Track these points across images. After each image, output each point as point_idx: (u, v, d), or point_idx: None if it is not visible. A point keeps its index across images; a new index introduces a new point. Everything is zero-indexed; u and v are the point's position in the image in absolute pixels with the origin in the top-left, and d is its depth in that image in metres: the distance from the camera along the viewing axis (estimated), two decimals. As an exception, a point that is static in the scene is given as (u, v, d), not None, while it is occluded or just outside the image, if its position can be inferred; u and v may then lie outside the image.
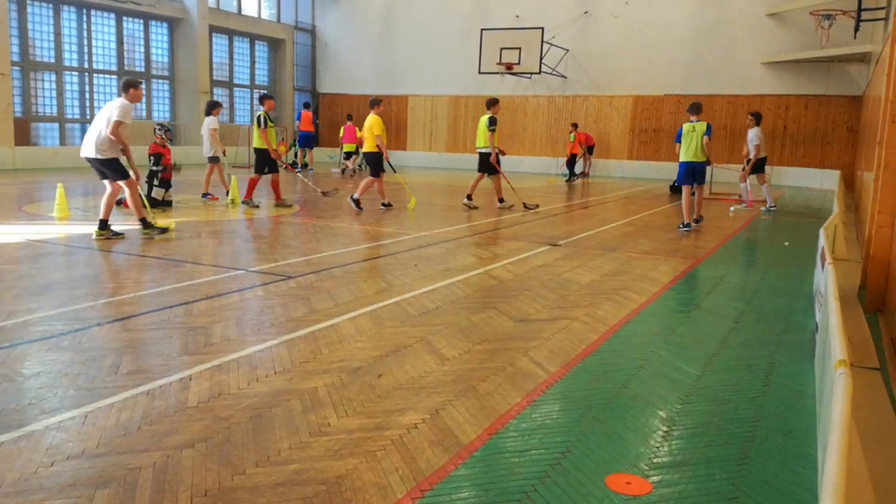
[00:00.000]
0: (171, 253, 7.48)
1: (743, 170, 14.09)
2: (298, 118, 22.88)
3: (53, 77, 20.26)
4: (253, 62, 26.54)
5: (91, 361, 4.03)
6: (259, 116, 11.59)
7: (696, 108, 10.20)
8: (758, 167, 13.77)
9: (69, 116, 20.75)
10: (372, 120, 11.70)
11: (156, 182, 10.93)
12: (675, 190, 17.00)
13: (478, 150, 12.74)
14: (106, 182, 8.23)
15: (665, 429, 3.40)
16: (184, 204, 11.94)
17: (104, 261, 7.08)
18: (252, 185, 11.86)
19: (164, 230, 8.45)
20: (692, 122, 10.07)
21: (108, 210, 8.16)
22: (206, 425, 3.26)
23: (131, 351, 4.25)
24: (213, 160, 12.80)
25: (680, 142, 10.11)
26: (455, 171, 21.56)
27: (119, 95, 8.08)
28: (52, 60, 20.15)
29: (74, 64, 20.73)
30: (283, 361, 4.17)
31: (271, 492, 2.71)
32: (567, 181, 20.31)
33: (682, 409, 3.65)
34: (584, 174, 22.43)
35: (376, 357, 4.30)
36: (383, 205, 11.98)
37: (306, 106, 22.65)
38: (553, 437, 3.25)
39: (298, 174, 17.43)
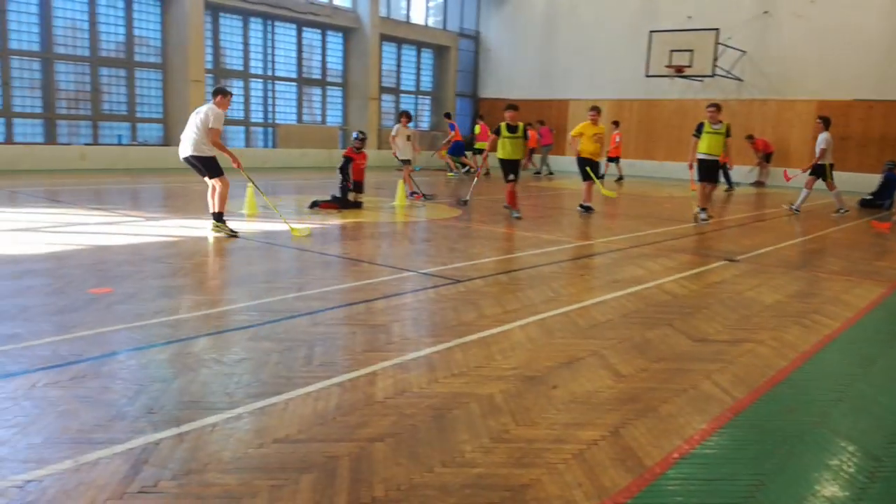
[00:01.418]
0: (350, 252, 7.91)
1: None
2: (461, 130, 23.42)
3: (241, 84, 22.09)
4: (419, 69, 27.46)
5: (287, 351, 4.36)
6: (525, 127, 11.42)
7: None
8: (819, 172, 13.30)
9: (253, 120, 22.53)
10: (588, 126, 12.15)
11: (346, 183, 11.65)
12: (866, 204, 15.59)
13: (702, 157, 11.48)
14: (207, 179, 8.66)
15: (870, 469, 3.14)
16: (369, 206, 12.58)
17: (291, 257, 7.62)
18: (513, 195, 11.45)
19: (234, 233, 8.51)
20: None
21: (223, 203, 8.56)
22: (393, 421, 3.42)
23: (321, 343, 4.55)
24: (406, 162, 14.01)
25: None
26: (615, 177, 21.05)
27: (210, 101, 8.55)
28: (241, 68, 21.97)
29: (259, 72, 22.48)
30: (458, 364, 4.28)
31: (459, 493, 2.79)
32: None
33: (889, 450, 3.35)
34: (759, 183, 21.13)
35: (549, 368, 4.30)
36: (582, 206, 12.37)
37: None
38: (744, 468, 3.10)
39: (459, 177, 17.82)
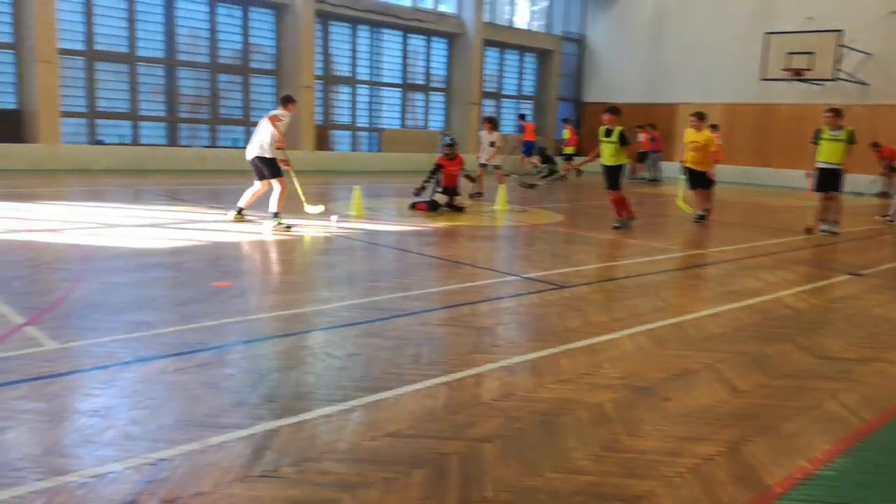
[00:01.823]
0: (453, 255, 7.99)
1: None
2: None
3: (349, 89, 22.75)
4: (521, 73, 27.40)
5: (395, 349, 4.44)
6: (622, 132, 10.52)
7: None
8: None
9: (359, 125, 23.14)
10: (688, 133, 11.43)
11: (438, 189, 11.78)
12: None
13: (821, 166, 10.73)
14: (258, 182, 9.41)
15: None
16: (470, 210, 12.69)
17: (395, 258, 7.77)
18: (619, 202, 10.76)
19: (289, 227, 8.96)
20: None
21: (282, 202, 9.14)
22: (500, 423, 3.42)
23: (428, 343, 4.61)
24: (496, 167, 14.63)
25: None
26: (726, 185, 20.22)
27: (277, 108, 9.33)
28: (349, 74, 22.63)
29: (366, 78, 23.09)
30: (565, 371, 4.23)
31: (570, 499, 2.76)
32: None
33: None
34: (884, 194, 19.79)
35: (661, 379, 4.18)
36: (700, 216, 11.64)
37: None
38: (876, 495, 2.90)
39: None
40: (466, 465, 2.99)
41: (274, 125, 9.05)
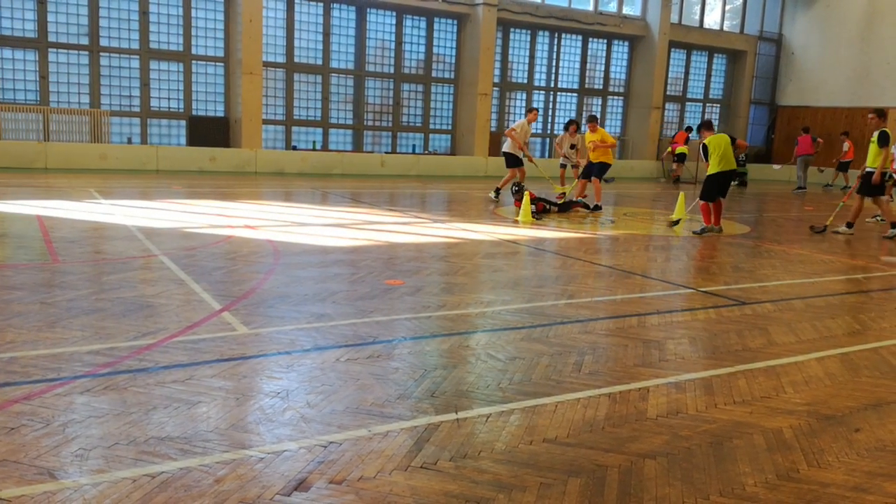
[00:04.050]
0: (623, 264, 7.76)
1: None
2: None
3: (524, 95, 22.86)
4: (709, 75, 26.03)
5: (557, 356, 4.40)
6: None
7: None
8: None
9: (533, 131, 23.11)
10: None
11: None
12: None
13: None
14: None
15: None
16: (630, 216, 12.32)
17: (562, 265, 7.70)
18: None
19: (496, 198, 12.15)
20: None
21: (505, 184, 13.37)
22: (666, 440, 3.27)
23: (591, 352, 4.51)
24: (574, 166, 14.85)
25: None
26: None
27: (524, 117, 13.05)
28: (525, 81, 22.75)
29: (543, 84, 23.08)
30: (741, 392, 3.96)
31: (738, 528, 2.57)
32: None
33: None
34: None
35: (852, 408, 3.78)
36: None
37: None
38: None
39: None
40: (626, 479, 2.89)
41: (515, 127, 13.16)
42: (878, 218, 12.31)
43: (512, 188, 13.32)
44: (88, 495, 2.55)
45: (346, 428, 3.22)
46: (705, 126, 10.34)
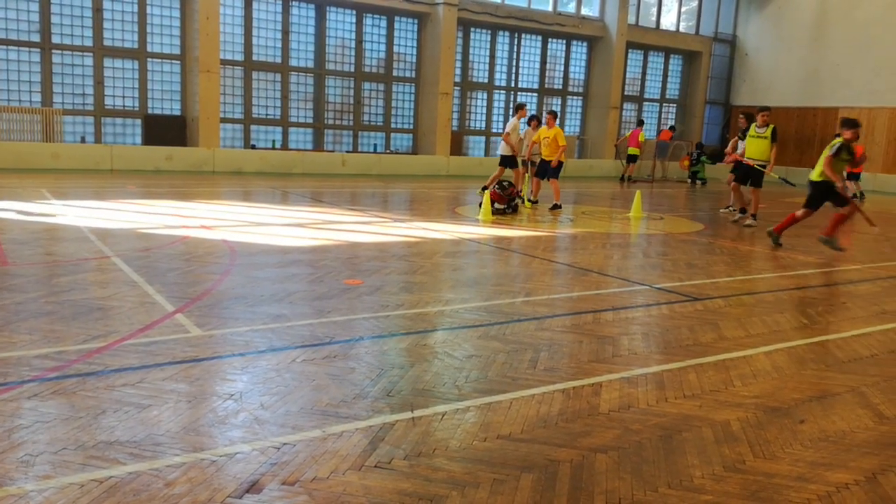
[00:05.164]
0: (580, 262, 7.86)
1: None
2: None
3: (485, 95, 22.97)
4: (665, 76, 26.46)
5: (514, 353, 4.44)
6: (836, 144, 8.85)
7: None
8: None
9: (495, 130, 23.30)
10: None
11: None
12: None
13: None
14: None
15: None
16: (588, 215, 12.47)
17: (521, 263, 7.77)
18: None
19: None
20: None
21: (493, 181, 12.67)
22: (617, 434, 3.34)
23: (547, 349, 4.57)
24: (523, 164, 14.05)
25: None
26: (894, 196, 18.49)
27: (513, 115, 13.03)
28: (486, 80, 22.85)
29: (503, 83, 23.21)
30: (691, 386, 4.05)
31: (684, 519, 2.64)
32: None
33: None
34: None
35: (797, 400, 3.90)
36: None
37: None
38: None
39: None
40: (578, 473, 2.94)
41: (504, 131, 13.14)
42: (731, 208, 13.13)
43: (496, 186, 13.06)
44: (34, 502, 2.50)
45: (301, 429, 3.21)
46: (849, 125, 8.83)
